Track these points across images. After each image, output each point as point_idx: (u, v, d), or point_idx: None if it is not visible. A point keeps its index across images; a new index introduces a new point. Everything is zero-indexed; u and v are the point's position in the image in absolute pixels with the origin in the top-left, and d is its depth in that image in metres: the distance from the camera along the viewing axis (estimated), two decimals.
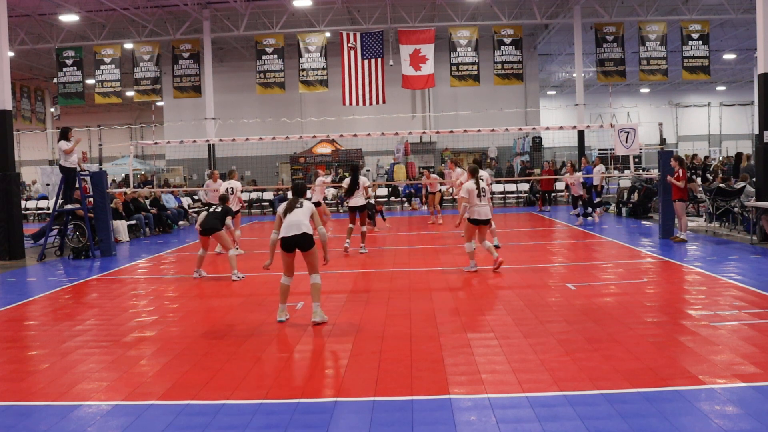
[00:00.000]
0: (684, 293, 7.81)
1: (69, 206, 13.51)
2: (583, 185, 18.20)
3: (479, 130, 15.18)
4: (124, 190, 17.74)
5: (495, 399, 4.46)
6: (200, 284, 9.51)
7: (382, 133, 14.57)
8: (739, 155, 18.03)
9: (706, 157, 24.06)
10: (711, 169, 20.52)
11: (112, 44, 25.89)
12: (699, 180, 17.67)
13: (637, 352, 5.39)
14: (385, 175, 28.30)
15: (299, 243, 6.67)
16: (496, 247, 11.27)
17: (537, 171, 24.89)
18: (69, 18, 23.88)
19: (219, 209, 10.09)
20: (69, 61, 25.56)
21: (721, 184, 13.93)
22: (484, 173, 10.78)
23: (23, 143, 37.37)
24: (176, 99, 26.93)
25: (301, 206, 6.85)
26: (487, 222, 9.68)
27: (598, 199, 19.04)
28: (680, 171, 12.38)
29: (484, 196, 9.62)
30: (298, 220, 6.70)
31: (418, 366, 5.20)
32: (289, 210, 6.82)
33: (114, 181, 29.22)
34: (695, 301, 7.35)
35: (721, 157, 31.10)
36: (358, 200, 12.11)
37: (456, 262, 10.55)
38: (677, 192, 12.43)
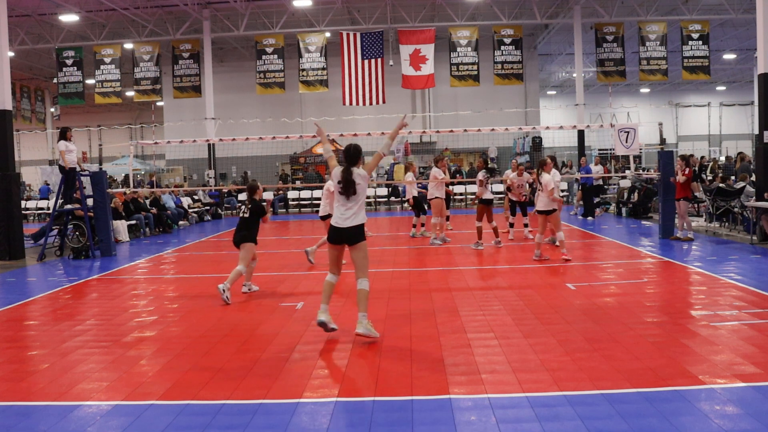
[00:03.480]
0: (684, 293, 7.81)
1: (69, 206, 13.52)
2: (583, 186, 18.22)
3: (479, 130, 15.17)
4: (124, 190, 17.74)
5: (495, 399, 4.46)
6: (200, 284, 9.50)
7: (382, 133, 14.55)
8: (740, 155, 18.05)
9: (702, 158, 24.09)
10: (708, 169, 20.56)
11: (112, 44, 25.89)
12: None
13: (637, 352, 5.39)
14: (386, 175, 28.30)
15: (348, 237, 5.97)
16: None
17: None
18: (69, 18, 23.89)
19: (248, 213, 8.48)
20: (69, 61, 25.56)
21: (721, 184, 13.94)
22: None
23: (23, 143, 37.39)
24: (176, 99, 26.93)
25: (356, 192, 5.98)
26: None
27: (597, 199, 19.06)
28: (686, 169, 12.41)
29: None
30: (357, 215, 5.98)
31: (418, 366, 5.20)
32: (344, 190, 5.98)
33: (113, 179, 29.22)
34: (695, 301, 7.36)
35: (722, 158, 31.07)
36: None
37: (456, 262, 10.55)
38: (681, 191, 12.43)
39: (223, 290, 7.90)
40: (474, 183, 12.55)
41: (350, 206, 6.02)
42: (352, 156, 6.14)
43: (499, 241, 12.36)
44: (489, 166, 12.33)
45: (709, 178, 18.68)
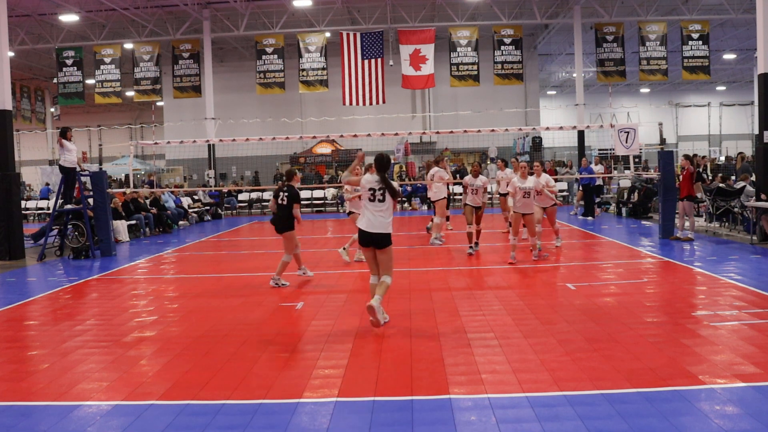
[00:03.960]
0: (684, 293, 7.80)
1: (69, 206, 13.52)
2: (586, 186, 18.22)
3: (479, 130, 15.17)
4: (124, 190, 17.74)
5: (495, 399, 4.46)
6: (200, 284, 9.51)
7: (382, 133, 14.55)
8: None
9: (703, 157, 24.06)
10: (702, 169, 20.53)
11: (112, 44, 25.89)
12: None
13: (637, 352, 5.39)
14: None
15: (376, 241, 6.44)
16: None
17: None
18: (69, 18, 23.89)
19: (286, 200, 8.66)
20: (69, 61, 25.56)
21: (721, 184, 13.94)
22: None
23: (23, 143, 37.37)
24: (176, 99, 26.93)
25: (383, 200, 6.44)
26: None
27: (598, 199, 19.07)
28: (690, 168, 12.42)
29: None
30: (381, 222, 6.41)
31: (418, 366, 5.20)
32: (372, 197, 6.46)
33: (113, 180, 29.21)
34: (695, 301, 7.36)
35: (721, 158, 31.07)
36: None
37: (457, 263, 10.55)
38: (685, 191, 12.44)
39: (276, 283, 8.73)
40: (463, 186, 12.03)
41: (379, 211, 6.48)
42: (384, 165, 6.60)
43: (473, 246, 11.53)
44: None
45: (709, 177, 18.66)
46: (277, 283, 8.86)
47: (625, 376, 4.80)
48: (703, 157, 24.38)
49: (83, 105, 28.93)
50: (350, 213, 10.78)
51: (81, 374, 5.30)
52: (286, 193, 8.69)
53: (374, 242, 6.45)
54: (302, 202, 25.26)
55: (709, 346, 5.51)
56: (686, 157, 12.87)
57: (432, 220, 14.50)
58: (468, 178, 11.77)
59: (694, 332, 5.93)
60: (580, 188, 19.04)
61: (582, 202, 18.95)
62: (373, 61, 23.56)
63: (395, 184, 6.61)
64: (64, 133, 13.09)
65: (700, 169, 17.33)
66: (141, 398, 4.69)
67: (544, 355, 5.39)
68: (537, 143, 27.20)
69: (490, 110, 27.41)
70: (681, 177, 12.67)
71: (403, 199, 25.20)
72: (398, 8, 25.26)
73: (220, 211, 23.97)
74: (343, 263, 10.76)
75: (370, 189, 6.49)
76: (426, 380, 4.86)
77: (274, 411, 4.39)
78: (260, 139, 15.03)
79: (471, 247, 11.48)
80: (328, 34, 25.10)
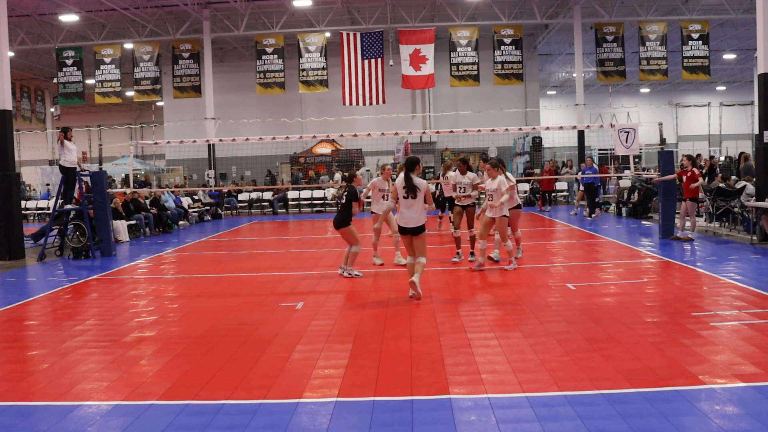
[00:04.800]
0: (684, 293, 7.80)
1: (69, 206, 13.52)
2: (588, 186, 18.23)
3: (479, 130, 15.17)
4: (124, 190, 17.73)
5: (495, 399, 4.46)
6: (200, 284, 9.51)
7: (382, 133, 14.56)
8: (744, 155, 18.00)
9: (708, 159, 24.02)
10: (708, 170, 20.49)
11: (112, 44, 25.89)
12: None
13: (637, 352, 5.39)
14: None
15: (412, 231, 7.74)
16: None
17: (537, 171, 24.91)
18: (69, 18, 23.87)
19: (345, 199, 9.39)
20: (69, 61, 25.56)
21: (721, 184, 13.93)
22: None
23: (23, 143, 37.36)
24: (176, 99, 26.92)
25: (416, 197, 7.68)
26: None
27: (598, 199, 19.08)
28: (693, 170, 12.41)
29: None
30: (416, 217, 7.68)
31: (418, 366, 5.20)
32: (405, 196, 7.74)
33: (112, 180, 29.20)
34: (695, 301, 7.35)
35: (721, 158, 31.04)
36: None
37: (456, 262, 10.54)
38: (688, 191, 12.43)
39: (350, 273, 9.22)
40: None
41: (412, 206, 7.72)
42: (411, 165, 7.86)
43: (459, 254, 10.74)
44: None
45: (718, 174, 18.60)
46: (350, 273, 9.33)
47: (625, 376, 4.80)
48: (712, 157, 24.33)
49: (83, 105, 28.92)
50: (372, 213, 10.85)
51: (81, 374, 5.30)
52: (346, 193, 9.40)
53: (410, 231, 7.72)
54: (302, 202, 25.54)
55: (709, 346, 5.51)
56: (689, 157, 12.84)
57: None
58: (454, 175, 10.62)
59: (694, 332, 5.93)
60: (581, 188, 19.04)
61: (582, 202, 18.96)
62: (373, 61, 23.56)
63: (420, 180, 7.77)
64: (65, 133, 13.09)
65: (704, 170, 17.27)
66: (141, 398, 4.69)
67: (544, 355, 5.39)
68: (537, 143, 27.21)
69: (490, 110, 27.41)
70: (684, 177, 12.60)
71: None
72: (398, 8, 25.25)
73: (220, 211, 23.97)
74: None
75: (403, 187, 7.78)
76: (426, 380, 4.86)
77: (274, 411, 4.39)
78: (260, 139, 15.04)
79: (458, 254, 10.63)
80: (328, 34, 25.10)
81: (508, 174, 10.10)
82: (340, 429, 4.08)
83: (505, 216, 9.54)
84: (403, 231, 7.80)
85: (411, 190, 7.71)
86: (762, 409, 4.16)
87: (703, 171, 16.58)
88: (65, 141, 12.96)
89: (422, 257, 7.76)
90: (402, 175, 7.84)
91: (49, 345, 6.27)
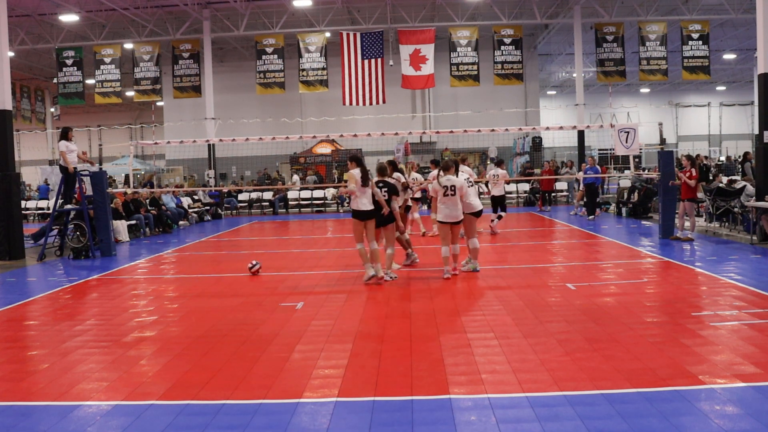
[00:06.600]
0: (684, 293, 7.80)
1: (69, 206, 13.51)
2: (590, 186, 18.23)
3: (479, 130, 15.16)
4: (124, 190, 17.73)
5: (495, 399, 4.46)
6: (200, 284, 9.50)
7: (382, 133, 14.55)
8: (746, 155, 18.01)
9: (705, 158, 24.07)
10: (707, 169, 20.52)
11: (112, 44, 25.89)
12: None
13: (637, 352, 5.39)
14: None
15: (454, 222, 8.81)
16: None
17: (537, 171, 24.92)
18: (69, 18, 23.88)
19: (386, 195, 8.92)
20: (69, 61, 25.56)
21: (721, 184, 13.93)
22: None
23: (23, 143, 37.38)
24: (176, 99, 26.93)
25: (454, 193, 8.79)
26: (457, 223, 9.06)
27: (598, 199, 19.07)
28: (692, 170, 12.39)
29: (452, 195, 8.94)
30: (452, 213, 8.80)
31: (418, 366, 5.20)
32: (446, 193, 8.79)
33: (112, 180, 29.19)
34: (695, 301, 7.35)
35: (721, 157, 31.06)
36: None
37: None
38: (688, 191, 12.42)
39: (391, 276, 8.99)
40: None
41: (451, 202, 8.79)
42: (447, 167, 8.93)
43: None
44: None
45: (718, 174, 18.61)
46: (391, 277, 8.98)
47: (625, 376, 4.80)
48: (706, 157, 24.36)
49: (83, 105, 28.92)
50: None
51: (81, 374, 5.30)
52: (384, 188, 8.93)
53: (454, 223, 8.85)
54: (302, 203, 25.53)
55: (709, 346, 5.51)
56: (688, 157, 12.83)
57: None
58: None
59: (694, 332, 5.93)
60: (582, 188, 19.04)
61: (582, 202, 18.95)
62: (373, 61, 23.56)
63: (456, 179, 8.81)
64: (65, 134, 13.08)
65: (705, 169, 17.26)
66: (141, 398, 4.69)
67: (544, 355, 5.39)
68: (537, 143, 27.22)
69: (490, 110, 27.41)
70: (687, 177, 12.57)
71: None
72: (398, 8, 25.25)
73: (220, 211, 23.97)
74: (342, 263, 10.72)
75: (443, 186, 8.77)
76: (426, 380, 4.86)
77: (274, 411, 4.39)
78: (260, 139, 15.03)
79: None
80: (328, 34, 25.10)
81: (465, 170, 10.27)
82: (340, 429, 4.08)
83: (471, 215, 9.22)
84: (444, 223, 8.87)
85: (448, 188, 8.76)
86: (762, 409, 4.16)
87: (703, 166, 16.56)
88: (65, 141, 12.95)
89: (474, 238, 9.27)
90: (439, 177, 8.83)
91: (49, 345, 6.27)
